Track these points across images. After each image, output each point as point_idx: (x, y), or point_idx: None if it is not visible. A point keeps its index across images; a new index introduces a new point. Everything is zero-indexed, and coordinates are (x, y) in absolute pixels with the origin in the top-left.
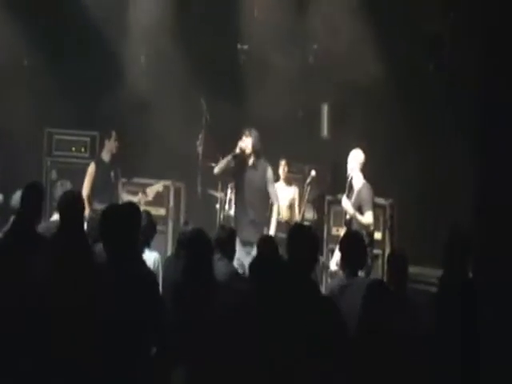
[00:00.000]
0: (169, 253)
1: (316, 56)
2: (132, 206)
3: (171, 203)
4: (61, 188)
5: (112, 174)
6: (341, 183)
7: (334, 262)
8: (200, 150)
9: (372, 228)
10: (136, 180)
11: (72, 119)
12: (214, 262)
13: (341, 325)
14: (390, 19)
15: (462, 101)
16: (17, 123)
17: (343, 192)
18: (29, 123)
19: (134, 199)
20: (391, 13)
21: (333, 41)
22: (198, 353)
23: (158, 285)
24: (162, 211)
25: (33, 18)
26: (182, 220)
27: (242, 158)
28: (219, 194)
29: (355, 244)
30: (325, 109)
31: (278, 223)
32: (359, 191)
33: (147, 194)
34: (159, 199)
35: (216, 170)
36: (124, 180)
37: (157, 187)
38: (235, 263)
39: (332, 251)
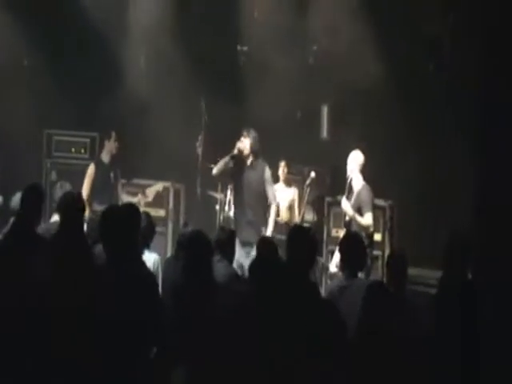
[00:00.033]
0: (168, 254)
1: (316, 57)
2: (131, 207)
3: (171, 204)
4: (60, 189)
5: (112, 174)
6: (340, 185)
7: (334, 263)
8: (199, 151)
9: (371, 229)
10: (136, 181)
11: (72, 120)
12: (213, 263)
13: (340, 325)
14: (390, 20)
15: (461, 101)
16: (16, 124)
17: (343, 193)
18: (28, 124)
19: (134, 200)
20: (391, 13)
21: (333, 42)
22: (197, 354)
23: (157, 285)
24: (161, 212)
25: (33, 18)
26: (181, 221)
27: (240, 158)
28: (219, 195)
29: (355, 245)
30: (324, 110)
31: (278, 224)
32: (359, 193)
33: (147, 195)
34: (159, 200)
35: (214, 171)
36: (124, 181)
37: (156, 187)
38: (234, 264)
39: (332, 252)
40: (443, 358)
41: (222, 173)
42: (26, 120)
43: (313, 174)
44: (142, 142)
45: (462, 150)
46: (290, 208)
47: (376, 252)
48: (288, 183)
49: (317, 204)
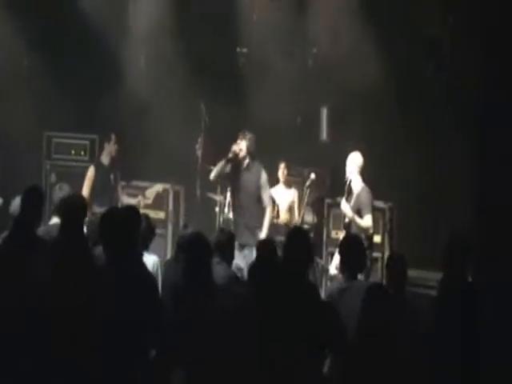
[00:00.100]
0: (168, 256)
1: (315, 59)
2: (131, 209)
3: (170, 206)
4: (59, 191)
5: (111, 176)
6: (340, 186)
7: (334, 265)
8: (199, 153)
9: (371, 231)
10: (135, 183)
11: (71, 121)
12: (213, 265)
13: (339, 326)
14: (390, 20)
15: (461, 101)
16: (16, 126)
17: (342, 195)
18: (28, 126)
19: (134, 202)
20: (391, 14)
21: (332, 43)
22: (197, 355)
23: (157, 286)
24: (161, 214)
25: (33, 18)
26: (181, 223)
27: (236, 161)
28: (218, 197)
29: (354, 247)
30: (324, 112)
31: (278, 226)
32: (358, 194)
33: (147, 197)
34: (158, 202)
35: (211, 176)
36: (123, 183)
37: (156, 189)
38: (232, 267)
39: (331, 254)
40: (443, 359)
41: (219, 177)
42: (25, 121)
43: (313, 176)
44: (141, 144)
45: (462, 150)
46: (290, 209)
47: (376, 254)
48: (288, 185)
49: (316, 206)
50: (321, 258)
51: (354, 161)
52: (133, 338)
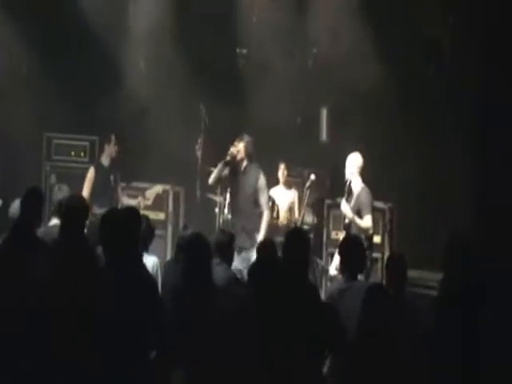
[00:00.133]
0: (168, 257)
1: (315, 60)
2: (131, 210)
3: (170, 207)
4: (59, 192)
5: (111, 178)
6: (340, 187)
7: (334, 265)
8: (199, 154)
9: (371, 232)
10: (135, 184)
11: (71, 122)
12: (212, 266)
13: (339, 327)
14: (390, 20)
15: (461, 101)
16: (16, 127)
17: (342, 196)
18: (28, 127)
19: (134, 203)
20: (391, 14)
21: (332, 43)
22: (197, 356)
23: (157, 286)
24: (161, 215)
25: (33, 18)
26: (181, 224)
27: (234, 163)
28: (218, 198)
29: (354, 248)
30: (324, 113)
31: (278, 227)
32: (358, 195)
33: (147, 198)
34: (158, 203)
35: (210, 180)
36: (123, 184)
37: (156, 189)
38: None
39: (331, 255)
40: (443, 359)
41: (218, 180)
42: (25, 122)
43: (312, 177)
44: (141, 145)
45: (462, 150)
46: (290, 210)
47: (375, 254)
48: (288, 185)
49: (316, 206)
50: (321, 258)
51: (354, 162)
52: (133, 339)
